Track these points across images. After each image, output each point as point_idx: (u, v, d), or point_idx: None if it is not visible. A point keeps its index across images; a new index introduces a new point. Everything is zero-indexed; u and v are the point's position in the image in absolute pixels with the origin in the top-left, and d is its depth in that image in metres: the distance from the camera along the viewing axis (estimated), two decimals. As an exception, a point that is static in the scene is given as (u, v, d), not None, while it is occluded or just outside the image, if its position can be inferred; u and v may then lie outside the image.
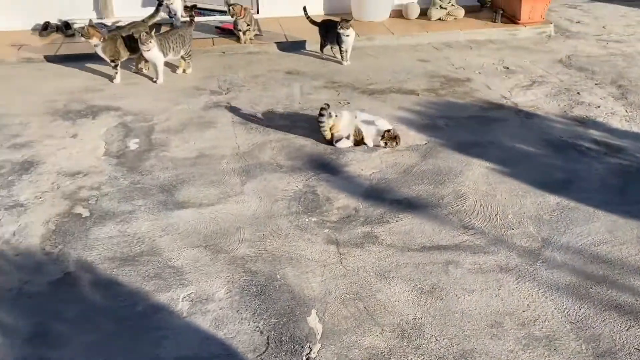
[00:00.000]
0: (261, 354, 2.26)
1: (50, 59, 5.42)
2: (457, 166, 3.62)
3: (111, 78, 4.96)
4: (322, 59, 5.54)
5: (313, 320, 2.42)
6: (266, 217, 3.11)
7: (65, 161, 3.68)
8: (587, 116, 4.30)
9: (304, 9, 5.57)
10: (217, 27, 6.14)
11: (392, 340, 2.32)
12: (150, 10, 5.40)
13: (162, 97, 4.68)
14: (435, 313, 2.46)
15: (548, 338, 2.32)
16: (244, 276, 2.68)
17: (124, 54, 4.89)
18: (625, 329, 2.37)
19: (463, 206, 3.21)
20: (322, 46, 5.51)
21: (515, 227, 3.03)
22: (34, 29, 6.11)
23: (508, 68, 5.28)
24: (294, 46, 5.80)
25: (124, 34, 4.89)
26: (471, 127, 4.15)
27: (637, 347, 2.28)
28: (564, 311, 2.46)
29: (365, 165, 3.62)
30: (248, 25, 5.66)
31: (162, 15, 5.72)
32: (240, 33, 5.70)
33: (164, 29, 5.97)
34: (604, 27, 6.49)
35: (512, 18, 6.31)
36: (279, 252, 2.83)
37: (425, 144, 3.91)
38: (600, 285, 2.61)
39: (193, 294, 2.57)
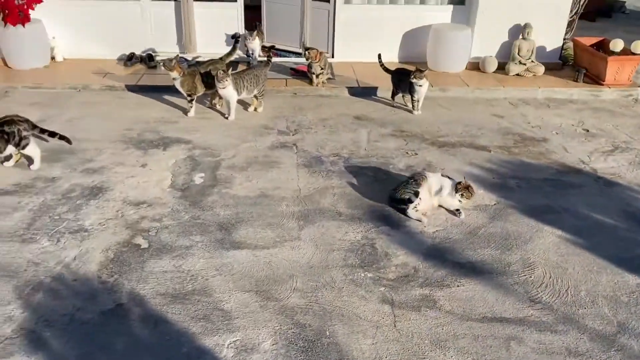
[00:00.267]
0: (301, 417, 2.15)
1: (131, 88, 5.67)
2: (527, 232, 3.41)
3: (186, 111, 5.11)
4: (393, 106, 5.48)
5: (359, 386, 2.29)
6: (321, 267, 3.02)
7: (132, 190, 3.76)
8: (675, 189, 3.98)
9: (379, 56, 5.58)
10: (291, 69, 6.24)
11: (443, 419, 2.15)
12: (229, 48, 5.58)
13: (232, 133, 4.75)
14: (493, 395, 2.26)
15: None
16: (292, 328, 2.58)
17: (201, 89, 5.04)
18: None
19: (531, 277, 3.00)
20: (394, 94, 5.47)
21: (587, 307, 2.79)
22: (119, 59, 6.44)
23: (588, 131, 5.02)
24: (365, 92, 5.79)
25: (202, 70, 5.05)
26: (545, 190, 3.93)
27: None
28: (640, 411, 2.20)
29: (429, 222, 3.48)
30: (322, 68, 5.72)
31: (240, 53, 5.90)
32: (314, 76, 5.76)
33: (241, 67, 6.15)
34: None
35: (595, 78, 6.04)
36: (330, 307, 2.73)
37: (495, 204, 3.73)
38: (684, 386, 2.33)
39: (239, 341, 2.51)
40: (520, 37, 6.25)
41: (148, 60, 6.23)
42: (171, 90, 5.19)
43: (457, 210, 3.56)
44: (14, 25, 5.72)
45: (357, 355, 2.44)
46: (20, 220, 3.36)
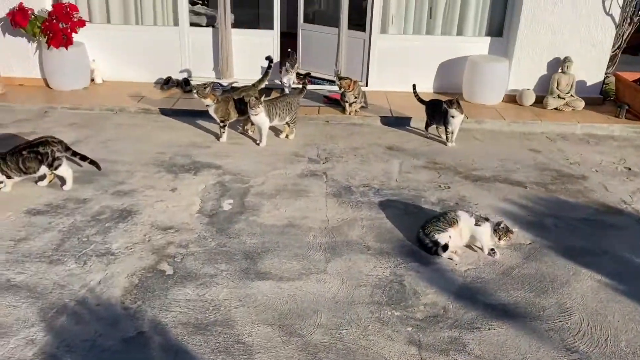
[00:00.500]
0: None
1: (166, 111, 5.74)
2: (563, 274, 3.26)
3: (218, 136, 5.14)
4: (426, 137, 5.40)
5: None
6: (346, 303, 2.93)
7: (160, 214, 3.76)
8: None
9: (414, 86, 5.53)
10: (324, 97, 6.24)
11: None
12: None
13: (262, 160, 4.74)
14: None
15: None
16: (314, 367, 2.50)
17: (234, 116, 5.07)
18: None
19: (567, 323, 2.85)
20: (427, 125, 5.40)
21: (628, 359, 2.62)
22: (156, 82, 6.56)
23: (630, 169, 4.83)
24: (398, 122, 5.73)
25: (235, 97, 5.08)
26: (583, 231, 3.77)
27: None
28: None
29: (460, 260, 3.36)
30: (355, 97, 5.70)
31: (273, 78, 5.93)
32: (347, 104, 5.73)
33: (274, 93, 6.19)
34: None
35: (638, 115, 5.85)
36: (355, 346, 2.63)
37: (530, 243, 3.59)
38: None
39: (259, 378, 2.43)
40: (560, 70, 6.12)
41: (184, 84, 6.33)
42: (205, 115, 5.23)
43: (492, 249, 3.43)
44: (57, 47, 5.90)
45: (381, 400, 2.33)
46: (50, 240, 3.39)
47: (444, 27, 6.51)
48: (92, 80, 6.45)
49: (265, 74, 5.53)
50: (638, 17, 6.42)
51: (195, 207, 3.88)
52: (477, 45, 6.44)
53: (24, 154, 3.85)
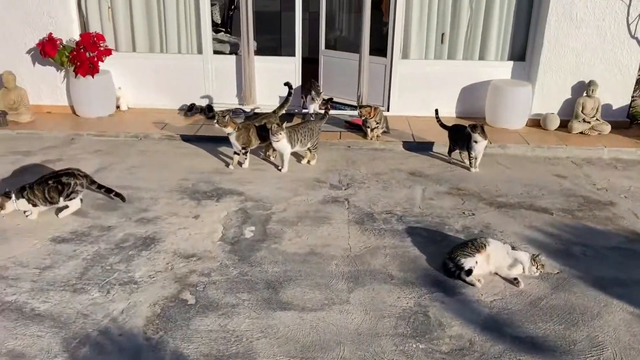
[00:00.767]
0: None
1: (189, 138, 5.81)
2: (593, 306, 3.16)
3: (240, 162, 5.16)
4: (449, 163, 5.36)
5: None
6: (370, 335, 2.88)
7: (183, 242, 3.77)
8: None
9: (436, 111, 5.50)
10: (346, 122, 6.25)
11: None
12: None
13: (284, 186, 4.74)
14: None
15: None
16: (337, 402, 2.44)
17: (255, 142, 5.10)
18: None
19: (599, 358, 2.75)
20: (450, 150, 5.35)
21: (666, 397, 2.51)
22: (180, 109, 6.66)
23: (660, 195, 4.71)
24: (421, 147, 5.70)
25: (256, 124, 5.11)
26: (613, 260, 3.67)
27: None
28: None
29: (486, 290, 3.29)
30: (377, 123, 5.69)
31: (294, 104, 5.96)
32: (368, 130, 5.73)
33: (295, 119, 6.22)
34: None
35: (667, 138, 5.74)
36: (378, 380, 2.57)
37: (557, 273, 3.50)
38: None
39: (281, 413, 2.38)
40: (585, 94, 6.04)
41: (207, 111, 6.40)
42: (228, 141, 5.26)
43: (515, 279, 3.36)
44: (84, 76, 6.04)
45: None
46: (74, 269, 3.41)
47: (466, 51, 6.49)
48: (118, 107, 6.57)
49: (286, 100, 5.57)
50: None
51: (218, 235, 3.89)
52: (499, 69, 6.41)
53: (50, 184, 3.91)
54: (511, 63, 6.41)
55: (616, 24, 5.86)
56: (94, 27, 6.47)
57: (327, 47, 7.01)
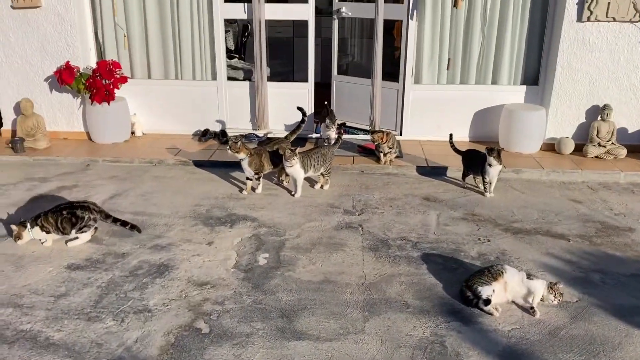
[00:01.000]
0: None
1: (203, 163, 5.84)
2: (614, 336, 3.09)
3: (253, 188, 5.17)
4: (463, 187, 5.32)
5: None
6: (386, 366, 2.84)
7: (196, 269, 3.76)
8: None
9: (450, 136, 5.49)
10: (359, 146, 6.26)
11: None
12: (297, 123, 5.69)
13: (297, 211, 4.74)
14: None
15: None
16: None
17: (268, 168, 5.11)
18: None
19: (622, 391, 2.68)
20: (464, 175, 5.33)
21: None
22: (194, 134, 6.71)
23: (680, 220, 4.64)
24: (434, 171, 5.68)
25: (268, 149, 5.14)
26: (633, 288, 3.60)
27: None
28: None
29: (504, 319, 3.24)
30: (390, 148, 5.69)
31: (307, 128, 5.98)
32: (381, 154, 5.73)
33: (308, 144, 6.24)
34: None
35: (684, 162, 5.67)
36: (395, 413, 2.52)
37: (576, 301, 3.44)
38: None
39: None
40: (599, 118, 6.01)
41: (221, 136, 6.45)
42: (241, 166, 5.28)
43: (532, 308, 3.30)
44: (100, 103, 6.12)
45: None
46: (89, 297, 3.41)
47: (478, 76, 6.51)
48: (133, 133, 6.64)
49: (298, 126, 5.60)
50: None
51: (231, 262, 3.88)
52: (512, 94, 6.40)
53: (64, 214, 3.94)
54: (524, 87, 6.40)
55: (629, 48, 5.85)
56: (111, 55, 6.58)
57: (340, 72, 7.06)
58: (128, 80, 6.38)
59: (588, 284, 3.63)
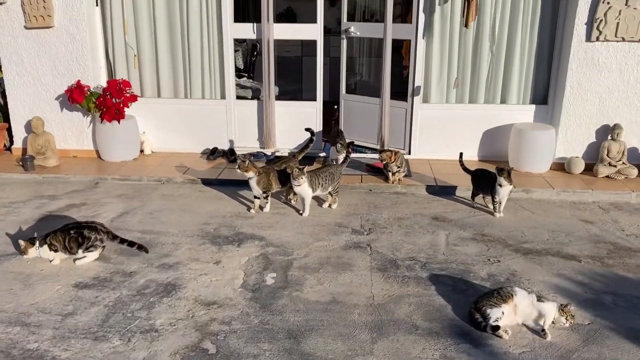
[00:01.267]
0: None
1: (211, 181, 5.85)
2: (629, 361, 3.03)
3: (261, 207, 5.16)
4: (473, 207, 5.29)
5: None
6: (395, 389, 2.79)
7: (204, 288, 3.74)
8: None
9: (460, 155, 5.48)
10: (367, 165, 6.25)
11: None
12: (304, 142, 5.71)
13: (305, 230, 4.72)
14: None
15: None
16: None
17: (275, 187, 5.11)
18: None
19: (638, 418, 2.61)
20: (474, 195, 5.30)
21: None
22: (203, 152, 6.74)
23: (693, 241, 4.57)
24: (443, 191, 5.65)
25: (276, 168, 5.14)
26: (647, 310, 3.54)
27: None
28: None
29: (514, 342, 3.18)
30: (398, 167, 5.68)
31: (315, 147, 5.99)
32: (390, 173, 5.72)
33: (316, 163, 6.25)
34: None
35: (696, 182, 5.60)
36: None
37: (588, 324, 3.38)
38: None
39: None
40: (609, 137, 5.97)
41: (229, 154, 6.47)
42: (249, 185, 5.29)
43: (543, 330, 3.24)
44: (110, 121, 6.17)
45: None
46: (96, 316, 3.40)
47: (487, 95, 6.50)
48: (142, 151, 6.68)
49: (306, 146, 5.61)
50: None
51: (239, 281, 3.85)
52: (521, 113, 6.39)
53: (71, 234, 3.95)
54: (533, 106, 6.39)
55: (639, 68, 5.84)
56: (121, 74, 6.65)
57: (348, 91, 7.09)
58: (138, 99, 6.44)
59: (600, 306, 3.57)
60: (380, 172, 5.97)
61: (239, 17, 6.85)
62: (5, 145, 6.83)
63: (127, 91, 6.27)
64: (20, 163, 6.21)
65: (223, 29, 6.44)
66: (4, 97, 6.67)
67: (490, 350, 3.12)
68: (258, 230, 4.72)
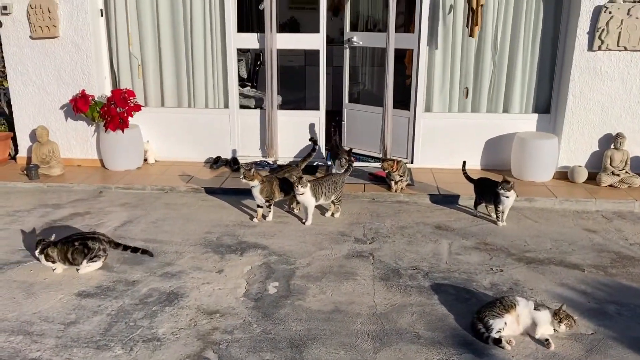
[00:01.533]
0: None
1: (214, 190, 5.86)
2: (633, 371, 3.01)
3: (264, 215, 5.17)
4: (475, 216, 5.28)
5: None
6: (397, 399, 2.78)
7: (206, 297, 3.75)
8: None
9: (464, 163, 5.49)
10: (370, 174, 6.26)
11: None
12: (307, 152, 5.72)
13: (308, 239, 4.72)
14: None
15: None
16: None
17: (278, 196, 5.12)
18: None
19: None
20: (477, 204, 5.29)
21: None
22: (206, 161, 6.76)
23: (697, 251, 4.55)
24: (446, 199, 5.65)
25: (279, 177, 5.15)
26: (651, 320, 3.52)
27: None
28: None
29: (517, 352, 3.17)
30: (401, 176, 5.68)
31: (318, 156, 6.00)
32: (392, 182, 5.72)
33: (320, 172, 6.25)
34: None
35: (700, 191, 5.59)
36: None
37: (592, 334, 3.36)
38: None
39: None
40: (612, 146, 5.97)
41: (232, 163, 6.49)
42: (252, 194, 5.30)
43: (547, 340, 3.23)
44: (114, 130, 6.20)
45: None
46: (98, 325, 3.40)
47: (489, 104, 6.52)
48: (145, 160, 6.71)
49: (309, 155, 5.63)
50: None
51: (241, 290, 3.85)
52: (524, 122, 6.40)
53: (76, 245, 3.97)
54: (536, 115, 6.40)
55: (642, 76, 5.86)
56: (125, 84, 6.70)
57: (351, 100, 7.11)
58: (142, 108, 6.47)
59: (603, 316, 3.56)
60: (383, 180, 5.98)
61: (243, 27, 6.91)
62: (10, 154, 6.87)
63: (131, 100, 6.31)
64: (25, 172, 6.24)
65: (226, 39, 6.48)
66: (9, 106, 6.72)
67: (493, 359, 3.11)
68: (261, 239, 4.73)
